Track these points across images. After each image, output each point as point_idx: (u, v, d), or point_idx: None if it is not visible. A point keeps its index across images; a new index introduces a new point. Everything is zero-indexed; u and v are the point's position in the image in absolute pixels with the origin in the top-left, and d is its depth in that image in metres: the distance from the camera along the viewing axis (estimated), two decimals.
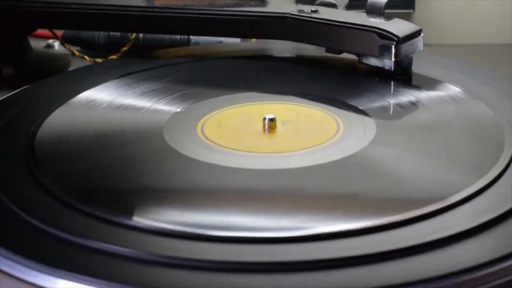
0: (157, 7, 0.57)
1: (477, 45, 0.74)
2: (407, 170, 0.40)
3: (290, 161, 0.41)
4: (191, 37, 0.68)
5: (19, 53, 0.63)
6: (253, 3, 0.58)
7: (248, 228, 0.34)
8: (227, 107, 0.48)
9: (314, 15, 0.54)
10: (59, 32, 0.66)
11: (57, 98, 0.48)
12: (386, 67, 0.51)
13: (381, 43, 0.50)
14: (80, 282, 0.30)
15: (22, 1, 0.58)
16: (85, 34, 0.69)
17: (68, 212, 0.35)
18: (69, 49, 0.65)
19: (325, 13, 0.54)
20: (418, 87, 0.50)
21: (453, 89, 0.49)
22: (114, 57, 0.64)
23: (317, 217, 0.35)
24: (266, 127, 0.44)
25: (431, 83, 0.50)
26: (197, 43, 0.68)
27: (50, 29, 0.64)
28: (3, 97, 0.51)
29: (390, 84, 0.51)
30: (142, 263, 0.31)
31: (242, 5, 0.58)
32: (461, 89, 0.49)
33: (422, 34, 0.52)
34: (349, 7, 0.59)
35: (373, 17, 0.53)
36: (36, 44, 0.66)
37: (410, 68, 0.52)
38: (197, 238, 0.33)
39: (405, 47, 0.50)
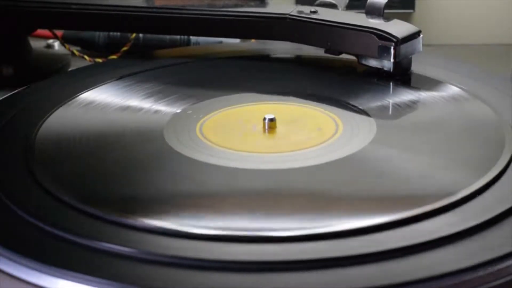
0: (157, 7, 0.57)
1: (477, 45, 0.74)
2: (407, 170, 0.40)
3: (290, 161, 0.41)
4: (191, 37, 0.68)
5: (19, 53, 0.63)
6: (252, 3, 0.58)
7: (248, 228, 0.34)
8: (226, 108, 0.48)
9: (313, 16, 0.54)
10: (59, 32, 0.66)
11: (57, 99, 0.48)
12: (385, 68, 0.51)
13: (380, 44, 0.50)
14: (80, 282, 0.31)
15: (22, 1, 0.58)
16: (85, 34, 0.69)
17: (68, 212, 0.35)
18: (69, 49, 0.65)
19: (324, 14, 0.54)
20: (418, 87, 0.50)
21: (453, 89, 0.49)
22: (114, 57, 0.64)
23: (316, 217, 0.35)
24: (266, 127, 0.44)
25: (431, 83, 0.50)
26: (197, 43, 0.68)
27: (50, 29, 0.64)
28: (3, 97, 0.51)
29: (390, 84, 0.51)
30: (142, 262, 0.31)
31: (242, 6, 0.58)
32: (461, 89, 0.49)
33: (421, 35, 0.52)
34: (349, 7, 0.59)
35: (372, 17, 0.53)
36: (36, 44, 0.66)
37: (410, 69, 0.52)
38: (197, 237, 0.33)
39: (404, 48, 0.50)
